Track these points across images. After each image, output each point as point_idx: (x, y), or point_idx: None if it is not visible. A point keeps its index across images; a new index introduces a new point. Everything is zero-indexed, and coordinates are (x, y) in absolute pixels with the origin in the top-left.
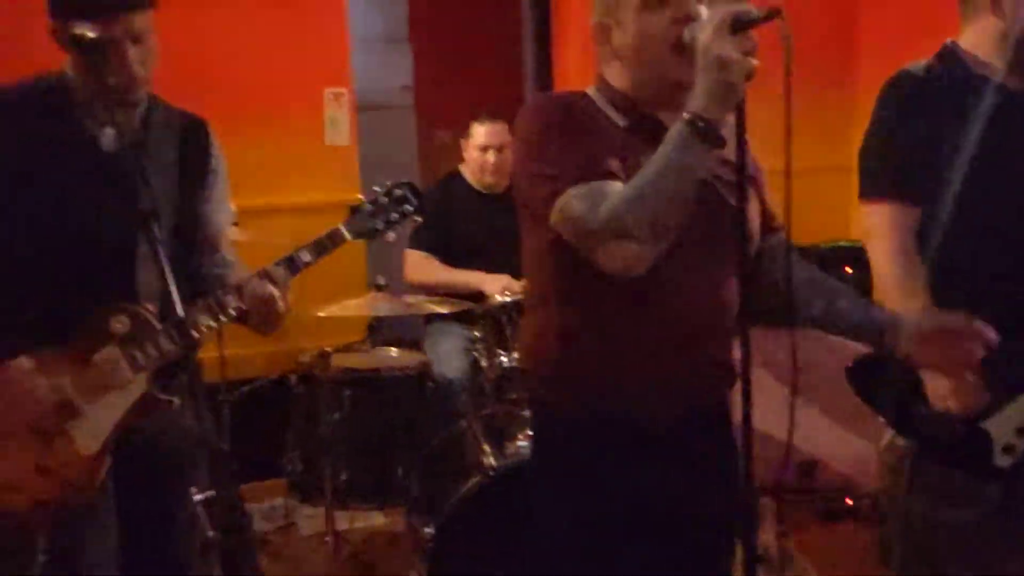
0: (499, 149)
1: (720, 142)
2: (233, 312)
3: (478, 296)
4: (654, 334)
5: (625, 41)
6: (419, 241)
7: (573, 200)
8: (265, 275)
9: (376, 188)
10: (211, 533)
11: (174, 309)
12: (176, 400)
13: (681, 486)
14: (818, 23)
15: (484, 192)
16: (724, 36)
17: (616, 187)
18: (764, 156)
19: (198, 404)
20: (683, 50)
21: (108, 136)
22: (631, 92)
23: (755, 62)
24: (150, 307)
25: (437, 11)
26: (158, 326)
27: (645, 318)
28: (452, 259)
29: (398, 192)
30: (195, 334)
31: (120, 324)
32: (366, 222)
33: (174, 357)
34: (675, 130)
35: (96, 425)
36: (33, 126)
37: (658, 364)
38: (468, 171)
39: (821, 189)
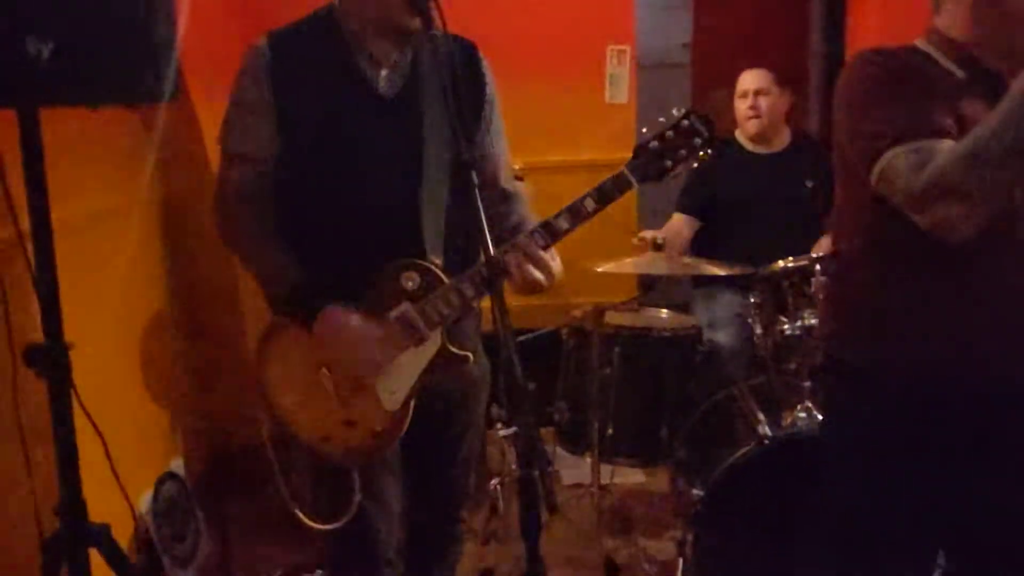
0: (757, 92)
1: None
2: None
3: (758, 260)
4: (977, 303)
5: (958, 7)
6: (683, 203)
7: (899, 158)
8: (517, 247)
9: (661, 119)
10: (514, 467)
11: (469, 257)
12: (471, 356)
13: (983, 467)
14: None
15: (758, 152)
16: None
17: (945, 145)
18: None
19: (507, 342)
20: None
21: (385, 79)
22: (973, 42)
23: None
24: (436, 261)
25: None
26: (447, 280)
27: (969, 285)
28: (717, 223)
29: (686, 123)
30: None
31: (411, 280)
32: (653, 162)
33: (463, 312)
34: (1017, 85)
35: (397, 382)
36: (316, 67)
37: (978, 336)
38: (741, 132)
39: None
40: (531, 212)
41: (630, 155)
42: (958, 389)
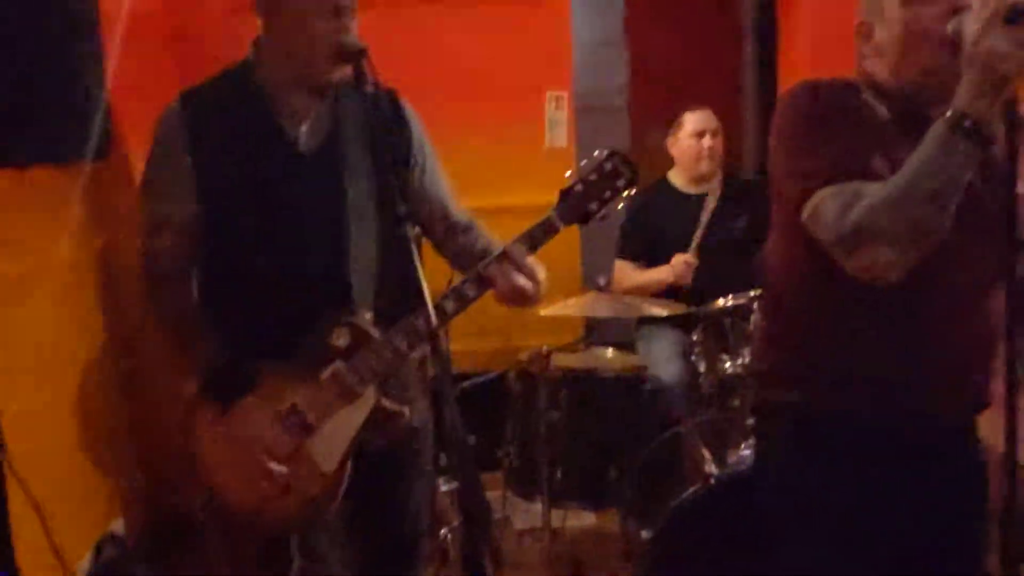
0: (713, 133)
1: (988, 141)
2: (474, 298)
3: (698, 299)
4: (903, 343)
5: (889, 36)
6: (625, 248)
7: (827, 200)
8: (504, 257)
9: (583, 163)
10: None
11: (400, 309)
12: (407, 411)
13: (916, 503)
14: None
15: (692, 194)
16: (996, 28)
17: (873, 188)
18: None
19: (446, 395)
20: (952, 43)
21: (305, 135)
22: (896, 86)
23: None
24: (367, 315)
25: (654, 12)
26: (377, 336)
27: (895, 325)
28: (660, 263)
29: (608, 166)
30: (435, 324)
31: (341, 337)
32: (578, 205)
33: (396, 367)
34: (937, 128)
35: (332, 442)
36: (232, 124)
37: (904, 375)
38: (677, 172)
39: None
40: (493, 237)
41: None
42: (885, 427)
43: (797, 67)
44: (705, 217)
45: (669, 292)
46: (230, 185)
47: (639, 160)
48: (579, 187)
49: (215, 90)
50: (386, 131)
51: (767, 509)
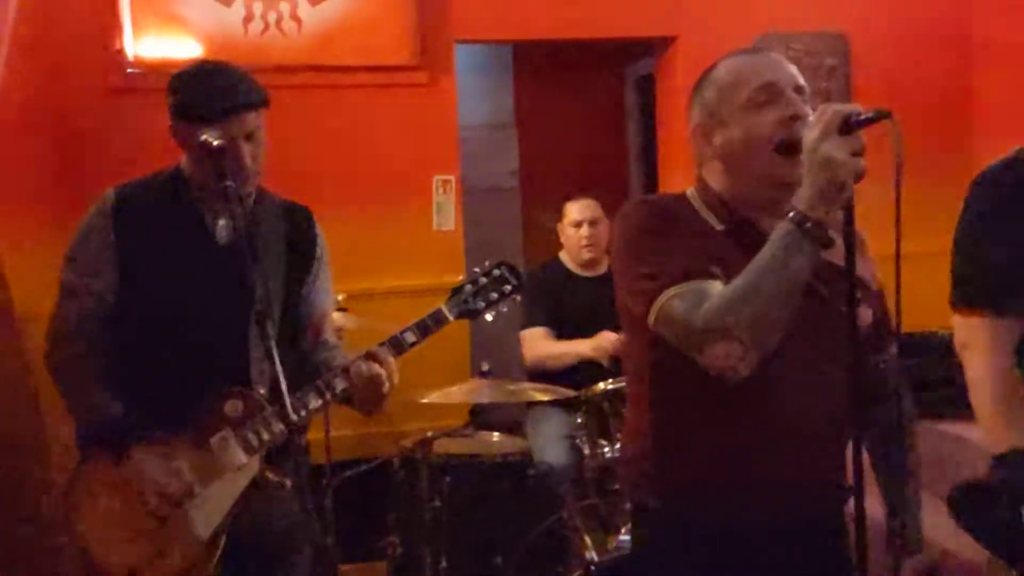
0: (592, 223)
1: (828, 242)
2: (340, 393)
3: (580, 383)
4: (757, 441)
5: (728, 141)
6: (533, 318)
7: (674, 300)
8: (370, 356)
9: (476, 269)
10: None
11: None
12: (288, 482)
13: None
14: (931, 115)
15: (583, 276)
16: (833, 136)
17: (717, 287)
18: (873, 240)
19: (303, 493)
20: (789, 150)
21: (222, 228)
22: (729, 194)
23: (864, 163)
24: (261, 391)
25: (542, 97)
26: (268, 409)
27: (747, 424)
28: (561, 339)
29: (497, 272)
30: (302, 415)
31: (233, 408)
32: (467, 302)
33: (284, 440)
34: (781, 229)
35: (212, 508)
36: (158, 217)
37: (760, 473)
38: (567, 255)
39: (923, 276)
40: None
41: (458, 278)
42: (742, 522)
43: (673, 153)
44: (593, 299)
45: (579, 368)
46: (151, 266)
47: (532, 240)
48: (469, 287)
49: (146, 185)
50: (294, 235)
51: None
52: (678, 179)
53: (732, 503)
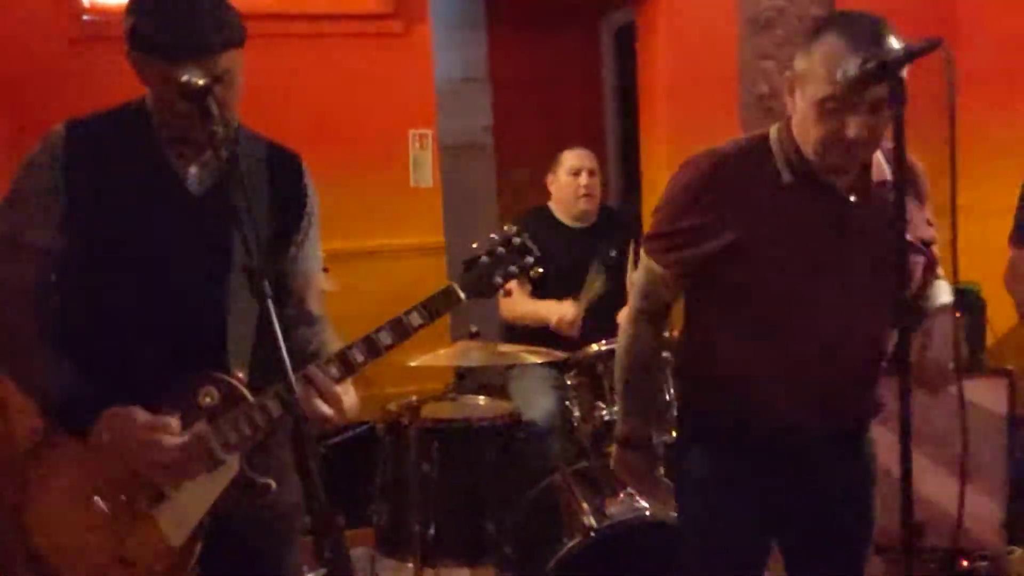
0: (591, 172)
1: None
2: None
3: (573, 345)
4: (781, 355)
5: (801, 110)
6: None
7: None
8: (308, 379)
9: (493, 236)
10: None
11: (276, 373)
12: (273, 484)
13: (805, 500)
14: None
15: (573, 227)
16: None
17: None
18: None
19: (311, 478)
20: (841, 144)
21: (194, 176)
22: (804, 147)
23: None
24: (240, 376)
25: (516, 50)
26: (251, 399)
27: (771, 340)
28: (544, 292)
29: (517, 241)
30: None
31: (209, 397)
32: (483, 277)
33: (267, 433)
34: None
35: (184, 512)
36: (117, 159)
37: (787, 385)
38: (557, 205)
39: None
40: (334, 339)
41: (437, 237)
42: (769, 428)
43: (653, 107)
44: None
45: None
46: (106, 217)
47: (506, 198)
48: (486, 258)
49: (105, 120)
50: (281, 185)
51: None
52: (658, 133)
53: (758, 408)
